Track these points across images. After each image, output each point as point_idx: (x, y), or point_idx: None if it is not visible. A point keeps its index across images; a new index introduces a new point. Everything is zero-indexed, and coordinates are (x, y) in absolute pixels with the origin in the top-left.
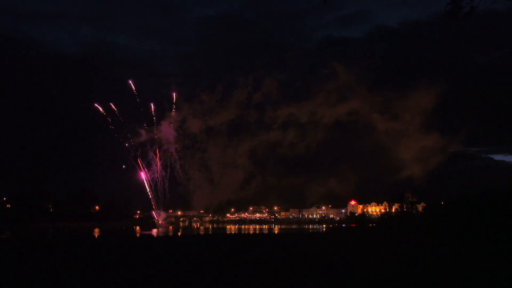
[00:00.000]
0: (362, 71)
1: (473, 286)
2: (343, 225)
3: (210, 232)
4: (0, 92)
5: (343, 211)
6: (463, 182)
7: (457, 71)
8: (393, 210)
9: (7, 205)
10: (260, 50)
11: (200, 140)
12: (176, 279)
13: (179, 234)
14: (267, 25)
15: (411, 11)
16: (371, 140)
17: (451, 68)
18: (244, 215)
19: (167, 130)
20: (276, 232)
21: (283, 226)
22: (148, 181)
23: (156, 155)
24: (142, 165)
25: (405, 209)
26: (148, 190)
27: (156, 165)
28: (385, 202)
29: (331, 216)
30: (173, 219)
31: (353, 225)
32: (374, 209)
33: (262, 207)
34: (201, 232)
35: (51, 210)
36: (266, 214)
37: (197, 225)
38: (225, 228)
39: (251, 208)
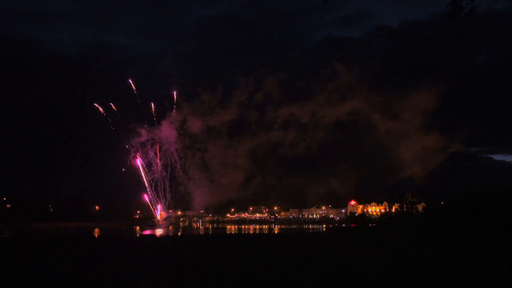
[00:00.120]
0: (363, 71)
1: (473, 286)
2: (343, 225)
3: (210, 232)
4: (0, 92)
5: (343, 211)
6: (463, 182)
7: (458, 71)
8: (393, 210)
9: (7, 205)
10: (261, 50)
11: (201, 140)
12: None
13: (179, 234)
14: (267, 25)
15: (411, 11)
16: (371, 140)
17: (452, 68)
18: (244, 215)
19: (167, 130)
20: (276, 232)
21: (283, 226)
22: (149, 181)
23: (156, 155)
24: (142, 165)
25: (405, 209)
26: (148, 190)
27: (157, 165)
28: (385, 202)
29: (331, 216)
30: (173, 219)
31: (353, 225)
32: (374, 209)
33: (262, 207)
34: (201, 232)
35: (51, 210)
36: (266, 214)
37: (197, 225)
38: (225, 228)
39: (251, 208)
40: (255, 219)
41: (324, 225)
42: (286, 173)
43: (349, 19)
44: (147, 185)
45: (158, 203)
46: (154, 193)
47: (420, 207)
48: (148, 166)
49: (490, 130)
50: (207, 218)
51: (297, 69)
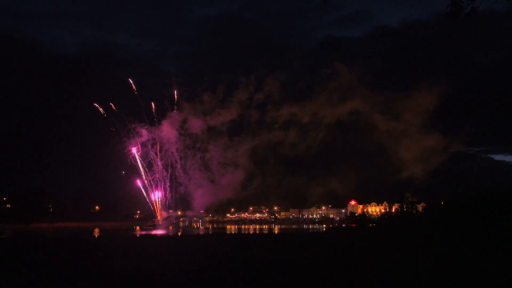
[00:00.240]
0: (363, 71)
1: (473, 286)
2: (343, 225)
3: (210, 232)
4: (0, 92)
5: (343, 211)
6: (464, 182)
7: (458, 71)
8: (393, 210)
9: (7, 205)
10: (261, 50)
11: (201, 140)
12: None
13: (179, 234)
14: (267, 25)
15: (411, 11)
16: (372, 140)
17: (452, 68)
18: (244, 215)
19: (168, 130)
20: (276, 232)
21: (283, 226)
22: (149, 181)
23: (157, 155)
24: (142, 165)
25: (405, 209)
26: (148, 190)
27: (157, 165)
28: (385, 202)
29: (331, 216)
30: (173, 219)
31: (353, 225)
32: (374, 209)
33: (262, 207)
34: (201, 232)
35: (51, 210)
36: (266, 214)
37: (197, 225)
38: (225, 228)
39: (251, 208)
40: (255, 219)
41: (324, 225)
42: (286, 173)
43: (349, 19)
44: (147, 185)
45: (158, 203)
46: (154, 193)
47: (420, 207)
48: (149, 166)
49: (490, 130)
50: (207, 218)
51: (298, 69)
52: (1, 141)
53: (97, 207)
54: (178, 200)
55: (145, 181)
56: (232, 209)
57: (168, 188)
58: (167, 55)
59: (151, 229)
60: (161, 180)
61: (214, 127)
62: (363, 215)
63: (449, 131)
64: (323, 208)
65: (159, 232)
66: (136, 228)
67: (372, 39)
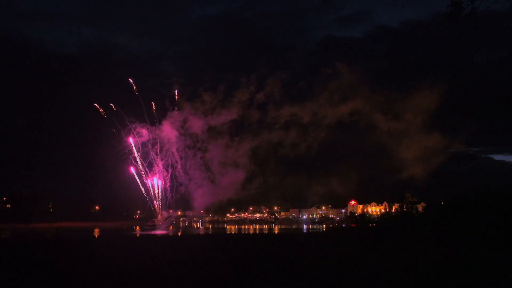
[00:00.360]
0: (364, 71)
1: (473, 286)
2: (343, 225)
3: (210, 232)
4: (0, 92)
5: (343, 211)
6: (464, 182)
7: (458, 71)
8: (393, 210)
9: (7, 205)
10: (262, 50)
11: (202, 140)
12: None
13: (179, 234)
14: (267, 25)
15: (411, 11)
16: (372, 140)
17: (452, 68)
18: (244, 215)
19: (168, 130)
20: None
21: (283, 226)
22: (149, 181)
23: (157, 155)
24: (143, 165)
25: (405, 209)
26: (148, 190)
27: (157, 165)
28: (385, 202)
29: (331, 216)
30: (173, 219)
31: (353, 225)
32: (374, 209)
33: (262, 207)
34: (201, 232)
35: (51, 210)
36: (266, 214)
37: (197, 225)
38: (225, 228)
39: (251, 208)
40: (255, 219)
41: (324, 225)
42: (286, 173)
43: (349, 19)
44: (147, 185)
45: (158, 203)
46: (154, 193)
47: (420, 207)
48: (149, 166)
49: (490, 130)
50: (207, 218)
51: (298, 69)
52: (1, 141)
53: (97, 207)
54: (178, 200)
55: (145, 181)
56: (232, 209)
57: (168, 188)
58: (167, 55)
59: (151, 229)
60: (162, 180)
61: (214, 127)
62: (363, 215)
63: (449, 131)
64: (323, 208)
65: (159, 232)
66: (136, 228)
67: (372, 39)
